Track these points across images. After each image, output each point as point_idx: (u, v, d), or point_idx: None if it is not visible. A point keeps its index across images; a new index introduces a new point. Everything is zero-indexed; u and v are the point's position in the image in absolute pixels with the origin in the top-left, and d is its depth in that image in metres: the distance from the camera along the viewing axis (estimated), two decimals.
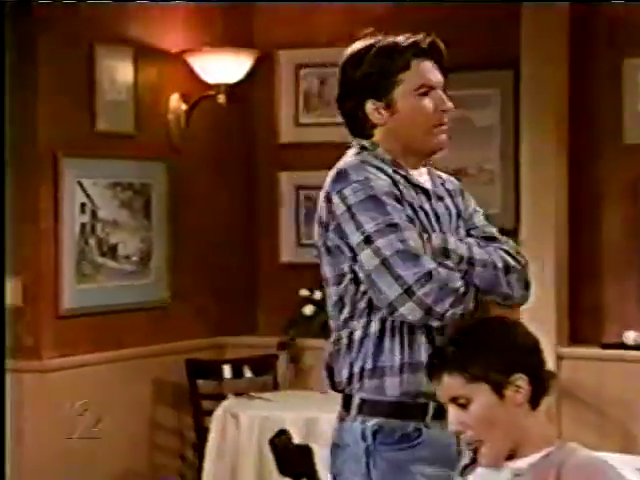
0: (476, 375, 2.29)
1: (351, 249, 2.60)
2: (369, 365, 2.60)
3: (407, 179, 2.68)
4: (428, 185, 2.72)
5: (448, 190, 2.78)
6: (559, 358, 5.20)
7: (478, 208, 2.82)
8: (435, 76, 2.70)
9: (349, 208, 2.60)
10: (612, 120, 5.32)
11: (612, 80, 5.31)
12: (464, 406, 2.30)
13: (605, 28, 5.30)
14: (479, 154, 5.54)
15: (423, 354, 2.58)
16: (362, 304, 2.62)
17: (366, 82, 2.68)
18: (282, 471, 3.72)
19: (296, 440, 3.88)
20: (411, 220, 2.60)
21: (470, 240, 2.69)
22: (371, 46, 2.69)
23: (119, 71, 5.27)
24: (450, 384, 2.31)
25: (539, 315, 4.58)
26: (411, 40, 2.69)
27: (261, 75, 5.82)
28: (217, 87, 5.49)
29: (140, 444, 5.36)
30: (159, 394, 5.47)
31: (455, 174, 5.92)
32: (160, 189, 5.48)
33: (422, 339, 2.59)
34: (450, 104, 2.70)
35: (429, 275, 2.52)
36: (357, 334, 2.62)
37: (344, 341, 2.65)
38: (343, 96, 2.74)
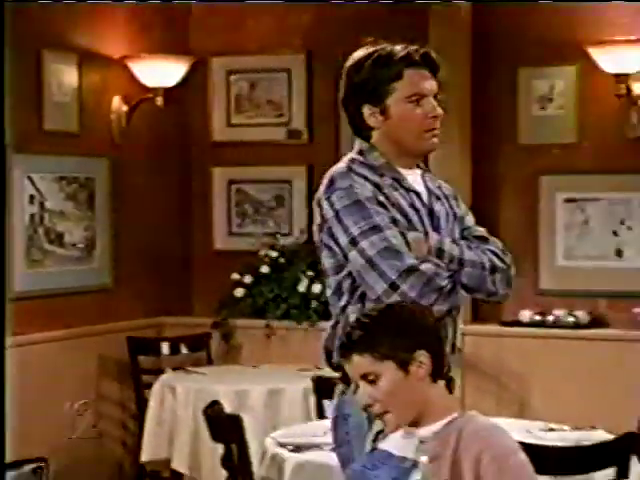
0: (383, 354, 2.31)
1: (341, 249, 2.62)
2: None
3: (398, 181, 2.67)
4: (419, 186, 2.71)
5: (444, 193, 2.77)
6: (462, 334, 5.26)
7: (468, 211, 2.82)
8: (427, 85, 2.68)
9: (337, 213, 2.61)
10: (509, 123, 5.39)
11: (509, 87, 5.38)
12: (373, 382, 2.32)
13: (502, 41, 5.37)
14: None
15: None
16: (357, 293, 2.63)
17: (364, 88, 2.67)
18: (214, 438, 3.72)
19: (227, 410, 3.89)
20: (394, 221, 2.60)
21: (462, 242, 2.69)
22: (370, 54, 2.68)
23: (65, 75, 5.23)
24: (360, 363, 2.33)
25: None
26: (405, 51, 2.67)
27: (195, 80, 5.80)
28: (155, 90, 5.47)
29: (86, 414, 5.33)
30: (103, 369, 5.45)
31: None
32: (103, 183, 5.46)
33: None
34: (440, 111, 2.69)
35: (411, 270, 2.54)
36: (352, 318, 2.61)
37: (341, 325, 2.66)
38: (346, 99, 2.73)
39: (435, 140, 2.70)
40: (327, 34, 5.68)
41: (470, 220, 2.80)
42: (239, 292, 5.69)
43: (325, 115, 5.74)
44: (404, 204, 2.65)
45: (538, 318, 5.26)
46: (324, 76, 5.73)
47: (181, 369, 5.27)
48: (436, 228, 2.69)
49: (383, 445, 2.41)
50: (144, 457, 5.02)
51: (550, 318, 5.24)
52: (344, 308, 2.66)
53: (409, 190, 2.68)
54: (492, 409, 4.87)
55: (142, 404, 5.24)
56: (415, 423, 2.35)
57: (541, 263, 5.33)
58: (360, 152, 2.71)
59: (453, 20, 5.27)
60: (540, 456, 2.71)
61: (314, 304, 5.51)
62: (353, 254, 2.58)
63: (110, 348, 5.43)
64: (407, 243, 2.58)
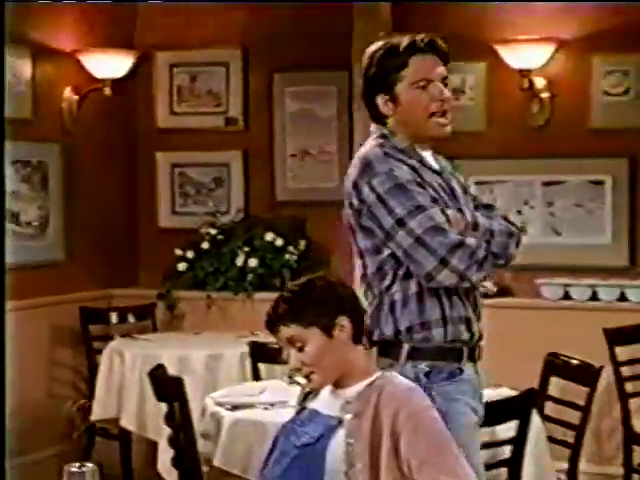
0: (308, 322, 2.31)
1: (383, 230, 2.50)
2: (417, 321, 2.52)
3: (422, 162, 2.57)
4: (436, 165, 2.63)
5: (451, 169, 2.70)
6: None
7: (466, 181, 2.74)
8: (434, 69, 2.58)
9: (379, 196, 2.48)
10: None
11: None
12: (301, 349, 2.33)
13: None
14: (320, 139, 5.59)
15: (460, 309, 2.56)
16: (401, 272, 2.52)
17: (376, 79, 2.59)
18: (159, 398, 3.71)
19: (171, 373, 3.86)
20: (434, 200, 2.51)
21: (488, 213, 2.63)
22: (380, 47, 2.61)
23: (20, 67, 5.13)
24: (288, 333, 2.33)
25: None
26: (410, 40, 2.59)
27: (141, 72, 5.75)
28: (104, 81, 5.40)
29: (41, 378, 5.28)
30: (57, 337, 5.39)
31: (300, 155, 5.94)
32: (55, 166, 5.38)
33: (455, 297, 2.55)
34: (448, 94, 2.60)
35: (458, 245, 2.45)
36: (397, 296, 2.52)
37: (386, 303, 2.54)
38: (364, 90, 2.65)
39: (445, 121, 2.58)
40: (261, 31, 5.66)
41: (472, 190, 2.74)
42: (182, 266, 5.66)
43: (259, 105, 5.73)
44: (435, 184, 2.57)
45: None
46: (259, 69, 5.72)
47: (129, 336, 5.22)
48: (455, 202, 2.60)
49: (312, 404, 2.42)
50: (94, 416, 4.98)
51: None
52: (388, 288, 2.53)
53: (432, 170, 2.60)
54: None
55: (93, 368, 5.20)
56: (340, 384, 2.36)
57: None
58: (383, 136, 2.59)
59: (375, 19, 5.26)
60: None
61: (250, 277, 5.50)
62: (401, 234, 2.46)
63: (64, 318, 5.36)
64: (448, 220, 2.50)
